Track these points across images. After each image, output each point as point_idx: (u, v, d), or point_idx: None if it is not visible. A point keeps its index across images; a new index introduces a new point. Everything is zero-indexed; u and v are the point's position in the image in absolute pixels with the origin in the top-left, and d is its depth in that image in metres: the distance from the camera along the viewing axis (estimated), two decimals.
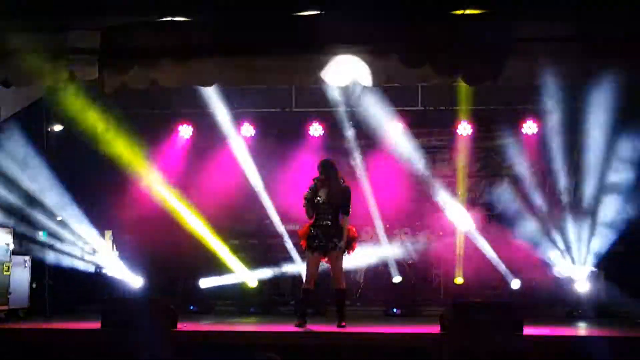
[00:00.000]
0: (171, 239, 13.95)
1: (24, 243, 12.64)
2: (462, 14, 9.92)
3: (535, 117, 14.48)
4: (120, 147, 13.96)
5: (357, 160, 14.84)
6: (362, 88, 12.90)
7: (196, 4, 10.17)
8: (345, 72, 10.48)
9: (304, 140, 14.87)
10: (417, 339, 9.61)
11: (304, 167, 13.05)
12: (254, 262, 13.71)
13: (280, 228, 14.13)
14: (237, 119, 14.83)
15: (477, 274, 13.61)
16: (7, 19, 10.30)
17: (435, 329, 9.58)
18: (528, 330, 9.43)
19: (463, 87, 13.05)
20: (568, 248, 13.42)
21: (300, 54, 10.33)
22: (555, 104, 13.61)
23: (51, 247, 13.18)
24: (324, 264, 10.63)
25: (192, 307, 13.12)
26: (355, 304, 13.90)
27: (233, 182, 14.52)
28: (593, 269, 13.10)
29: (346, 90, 13.25)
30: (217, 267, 13.63)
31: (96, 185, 14.17)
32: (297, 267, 13.37)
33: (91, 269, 13.84)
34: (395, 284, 13.27)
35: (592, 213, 13.82)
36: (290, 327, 10.21)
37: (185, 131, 15.08)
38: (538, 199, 14.47)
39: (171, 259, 13.79)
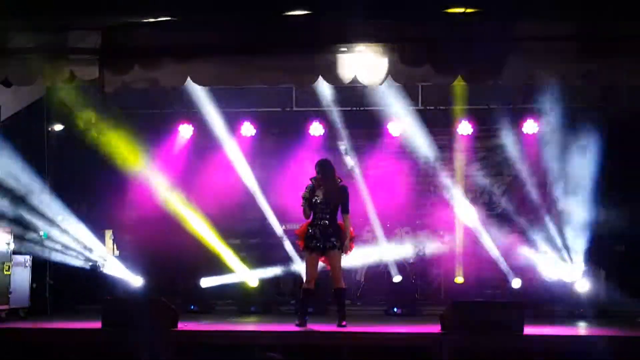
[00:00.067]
0: (172, 238, 13.94)
1: (24, 243, 12.63)
2: (463, 14, 9.92)
3: (536, 117, 14.47)
4: (121, 146, 13.98)
5: (357, 159, 14.85)
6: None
7: (196, 3, 10.17)
8: (346, 72, 10.50)
9: (304, 139, 14.87)
10: (418, 338, 9.61)
11: (304, 166, 13.04)
12: (254, 261, 13.70)
13: (281, 227, 14.12)
14: (238, 119, 14.84)
15: (477, 273, 13.60)
16: (8, 19, 10.30)
17: (435, 328, 9.57)
18: (528, 330, 9.43)
19: (459, 87, 13.01)
20: (565, 248, 13.42)
21: (300, 54, 10.33)
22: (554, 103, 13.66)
23: (52, 247, 13.18)
24: (321, 264, 10.62)
25: (192, 307, 13.10)
26: (355, 303, 13.89)
27: (233, 182, 14.51)
28: (585, 267, 13.07)
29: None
30: (217, 266, 13.62)
31: (97, 185, 14.17)
32: (298, 266, 13.35)
33: (91, 268, 13.83)
34: (395, 283, 13.26)
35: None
36: (291, 327, 10.22)
37: (185, 131, 15.06)
38: (538, 199, 14.48)
39: (172, 259, 13.78)
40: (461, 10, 9.88)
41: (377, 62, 10.37)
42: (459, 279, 13.72)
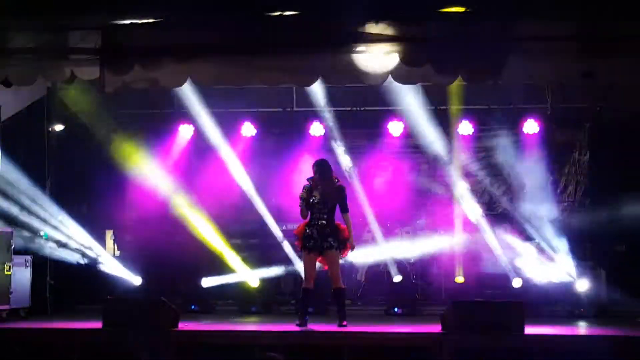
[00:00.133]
0: (172, 238, 13.95)
1: (25, 243, 12.64)
2: (463, 13, 9.91)
3: (536, 117, 14.47)
4: (121, 146, 13.98)
5: (357, 159, 14.85)
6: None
7: (196, 3, 10.17)
8: (346, 72, 10.51)
9: (305, 139, 14.87)
10: (418, 338, 9.62)
11: (305, 166, 13.05)
12: (255, 261, 13.70)
13: (282, 227, 14.13)
14: (238, 119, 14.85)
15: (478, 273, 13.61)
16: (8, 19, 10.30)
17: (436, 328, 9.57)
18: (529, 330, 9.43)
19: (455, 87, 12.99)
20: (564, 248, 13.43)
21: (301, 54, 10.32)
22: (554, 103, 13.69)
23: (52, 247, 13.19)
24: (318, 264, 10.62)
25: (193, 307, 13.11)
26: (356, 303, 13.91)
27: (234, 182, 14.52)
28: (583, 267, 13.08)
29: None
30: (218, 266, 13.62)
31: (97, 185, 14.17)
32: (299, 266, 13.35)
33: (92, 268, 13.83)
34: (396, 283, 13.26)
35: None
36: (292, 327, 10.23)
37: (186, 131, 15.05)
38: (538, 198, 14.50)
39: (172, 259, 13.79)
40: (459, 9, 9.86)
41: (377, 62, 10.37)
42: (460, 279, 13.72)
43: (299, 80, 11.19)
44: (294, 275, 13.44)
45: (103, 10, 10.16)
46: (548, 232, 13.64)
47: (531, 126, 14.54)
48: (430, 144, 14.39)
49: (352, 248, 10.68)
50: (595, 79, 10.13)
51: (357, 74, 10.58)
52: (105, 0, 10.23)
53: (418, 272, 13.74)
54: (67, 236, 13.46)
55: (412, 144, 14.85)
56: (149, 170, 14.16)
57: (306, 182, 10.53)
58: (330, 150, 14.43)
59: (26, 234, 12.75)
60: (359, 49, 10.29)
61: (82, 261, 13.69)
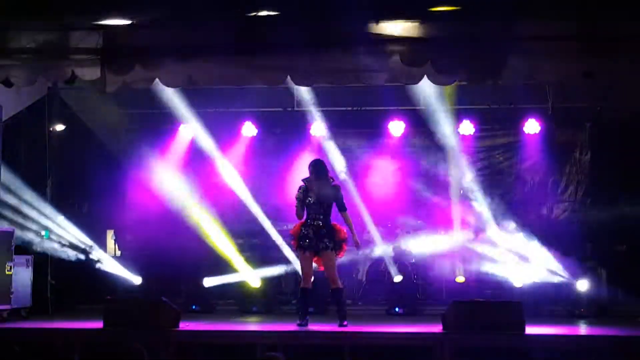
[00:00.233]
0: (174, 238, 13.95)
1: (26, 242, 12.65)
2: (465, 13, 9.91)
3: (537, 116, 14.48)
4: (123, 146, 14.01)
5: (357, 159, 14.86)
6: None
7: (197, 3, 10.17)
8: (347, 72, 10.51)
9: (305, 139, 14.87)
10: (419, 338, 9.62)
11: (305, 166, 13.04)
12: (256, 261, 13.70)
13: (283, 227, 14.13)
14: (239, 119, 14.85)
15: (478, 272, 13.61)
16: (9, 19, 10.30)
17: (437, 328, 9.58)
18: (529, 329, 9.43)
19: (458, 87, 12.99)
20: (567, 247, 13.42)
21: (301, 54, 10.32)
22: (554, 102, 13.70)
23: (53, 247, 13.20)
24: (314, 265, 10.63)
25: (194, 307, 13.11)
26: (357, 303, 13.91)
27: (235, 182, 14.52)
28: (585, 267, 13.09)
29: None
30: (219, 266, 13.63)
31: (98, 185, 14.18)
32: (299, 266, 13.35)
33: (92, 267, 13.84)
34: (396, 283, 13.27)
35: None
36: (293, 327, 10.23)
37: (186, 130, 15.05)
38: (540, 198, 14.50)
39: (173, 259, 13.79)
40: (450, 8, 9.87)
41: (377, 62, 10.37)
42: (460, 278, 13.73)
43: (300, 80, 11.18)
44: (295, 275, 13.43)
45: (104, 10, 10.16)
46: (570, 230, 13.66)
47: (532, 126, 14.54)
48: (430, 143, 14.41)
49: (358, 245, 10.69)
50: (596, 79, 10.13)
51: (357, 74, 10.59)
52: (106, 1, 10.23)
53: (419, 271, 13.74)
54: (68, 235, 13.47)
55: (412, 144, 14.85)
56: (150, 170, 14.18)
57: (302, 183, 10.53)
58: (331, 150, 14.44)
59: (27, 234, 12.75)
60: (359, 49, 10.28)
61: (82, 257, 13.68)
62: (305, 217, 10.48)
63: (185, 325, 10.05)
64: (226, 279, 13.50)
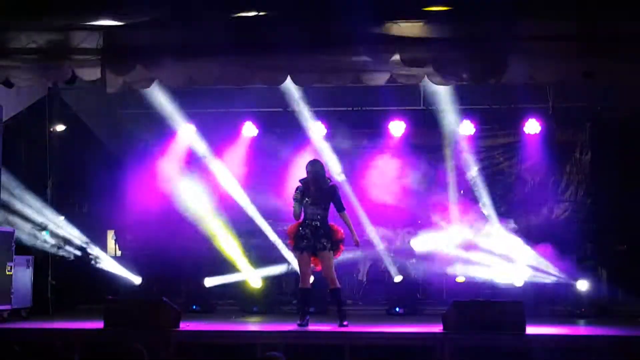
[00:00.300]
0: (174, 238, 13.96)
1: (26, 243, 12.65)
2: (465, 13, 9.92)
3: (537, 116, 14.48)
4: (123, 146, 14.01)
5: (358, 159, 14.87)
6: None
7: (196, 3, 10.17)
8: (348, 72, 10.52)
9: (305, 139, 14.86)
10: (420, 338, 9.61)
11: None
12: (257, 261, 13.71)
13: (284, 227, 14.13)
14: (239, 119, 14.86)
15: (478, 272, 13.61)
16: (9, 19, 10.30)
17: (437, 328, 9.57)
18: (530, 329, 9.43)
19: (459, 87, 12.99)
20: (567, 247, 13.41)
21: (301, 54, 10.32)
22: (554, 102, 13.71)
23: (54, 247, 13.20)
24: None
25: (194, 307, 13.11)
26: (357, 303, 13.92)
27: (235, 181, 14.53)
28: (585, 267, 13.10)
29: None
30: (220, 266, 13.64)
31: (99, 185, 14.18)
32: None
33: (92, 267, 13.85)
34: (397, 283, 13.27)
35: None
36: (293, 327, 10.23)
37: (187, 130, 15.04)
38: (540, 198, 14.51)
39: (174, 259, 13.80)
40: (442, 8, 9.87)
41: (378, 63, 10.38)
42: (461, 278, 13.73)
43: (300, 79, 11.18)
44: (295, 275, 13.42)
45: (104, 10, 10.16)
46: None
47: (532, 126, 14.55)
48: (431, 143, 14.42)
49: (357, 244, 10.71)
50: (596, 79, 10.13)
51: (357, 74, 10.59)
52: (106, 1, 10.23)
53: (420, 271, 13.75)
54: (69, 235, 13.47)
55: (412, 144, 14.85)
56: (151, 170, 14.19)
57: (299, 184, 10.52)
58: (332, 150, 14.44)
59: (27, 234, 12.75)
60: (359, 49, 10.28)
61: (82, 257, 13.68)
62: (302, 217, 10.47)
63: (185, 325, 10.05)
64: (227, 279, 13.51)
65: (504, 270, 13.23)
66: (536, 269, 13.04)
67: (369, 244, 13.81)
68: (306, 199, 10.41)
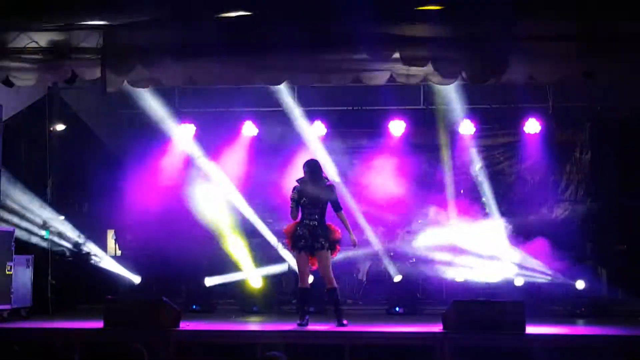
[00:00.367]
0: (174, 238, 13.95)
1: (26, 242, 12.65)
2: (466, 13, 9.92)
3: (537, 116, 14.48)
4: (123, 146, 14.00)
5: (358, 159, 14.87)
6: None
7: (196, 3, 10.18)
8: (347, 72, 10.52)
9: (306, 139, 14.85)
10: (420, 337, 9.62)
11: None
12: (257, 261, 13.71)
13: (283, 227, 14.12)
14: (239, 119, 14.85)
15: (478, 272, 13.61)
16: (9, 18, 10.30)
17: (437, 327, 9.58)
18: (530, 329, 9.44)
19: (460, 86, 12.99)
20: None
21: (301, 54, 10.33)
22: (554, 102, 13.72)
23: (54, 247, 13.20)
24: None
25: (194, 307, 13.11)
26: (357, 302, 13.91)
27: (235, 181, 14.53)
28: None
29: None
30: (220, 266, 13.63)
31: (99, 185, 14.18)
32: None
33: (93, 268, 13.85)
34: (397, 283, 13.27)
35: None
36: (293, 326, 10.23)
37: (187, 130, 15.04)
38: (540, 198, 14.51)
39: (174, 258, 13.79)
40: (435, 7, 9.88)
41: (378, 63, 10.38)
42: (461, 278, 13.72)
43: (300, 79, 11.19)
44: (295, 274, 13.42)
45: (104, 10, 10.16)
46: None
47: (532, 126, 14.55)
48: (431, 143, 14.43)
49: (355, 243, 10.71)
50: (596, 78, 10.13)
51: (357, 74, 10.59)
52: (106, 1, 10.23)
53: (419, 271, 13.74)
54: (69, 235, 13.47)
55: (412, 144, 14.85)
56: (151, 170, 14.20)
57: (296, 184, 10.52)
58: (332, 150, 14.44)
59: (27, 233, 12.76)
60: (359, 49, 10.28)
61: (81, 256, 13.68)
62: (300, 217, 10.47)
63: (185, 325, 10.05)
64: (227, 279, 13.51)
65: (490, 269, 13.25)
66: (526, 267, 13.04)
67: (368, 243, 13.81)
68: (303, 198, 10.41)
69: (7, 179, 12.36)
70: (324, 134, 14.85)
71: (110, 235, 14.86)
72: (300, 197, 10.41)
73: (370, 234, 13.96)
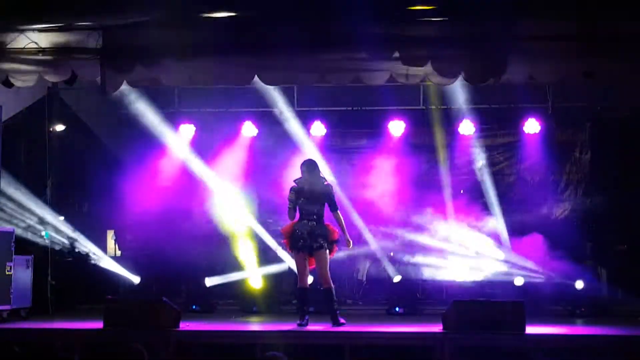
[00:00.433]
0: (174, 238, 13.95)
1: (26, 242, 12.64)
2: (467, 13, 9.92)
3: (537, 116, 14.48)
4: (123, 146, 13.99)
5: (357, 159, 14.87)
6: None
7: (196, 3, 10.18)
8: (347, 72, 10.53)
9: (306, 139, 14.85)
10: (420, 337, 9.62)
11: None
12: (257, 261, 13.70)
13: (281, 226, 14.13)
14: (239, 119, 14.85)
15: (478, 271, 13.61)
16: (9, 18, 10.30)
17: (437, 327, 9.58)
18: (530, 329, 9.43)
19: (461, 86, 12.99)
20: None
21: (301, 54, 10.32)
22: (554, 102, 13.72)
23: (53, 247, 13.20)
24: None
25: (194, 307, 13.11)
26: (357, 303, 13.91)
27: (235, 181, 14.53)
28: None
29: None
30: (220, 266, 13.63)
31: (98, 185, 14.18)
32: None
33: (93, 268, 13.84)
34: (397, 283, 13.28)
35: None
36: (293, 326, 10.23)
37: (187, 130, 15.04)
38: (540, 198, 14.51)
39: (174, 258, 13.78)
40: (428, 7, 9.88)
41: (378, 63, 10.38)
42: (460, 278, 13.72)
43: (301, 79, 11.19)
44: (295, 274, 13.42)
45: (104, 10, 10.16)
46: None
47: (532, 126, 14.55)
48: (430, 143, 14.43)
49: (349, 244, 10.69)
50: (595, 78, 10.13)
51: (357, 74, 10.59)
52: (106, 1, 10.23)
53: (419, 271, 13.75)
54: (69, 235, 13.47)
55: (412, 144, 14.85)
56: (151, 170, 14.20)
57: (294, 184, 10.51)
58: (332, 150, 14.44)
59: (27, 234, 12.76)
60: (359, 48, 10.28)
61: (81, 257, 13.68)
62: (298, 217, 10.46)
63: (185, 325, 10.05)
64: (226, 279, 13.51)
65: (488, 267, 13.28)
66: (524, 267, 13.06)
67: (367, 243, 13.80)
68: (301, 198, 10.40)
69: (6, 179, 12.35)
70: (324, 134, 14.85)
71: (110, 235, 14.86)
72: (298, 197, 10.40)
73: (368, 234, 13.97)
